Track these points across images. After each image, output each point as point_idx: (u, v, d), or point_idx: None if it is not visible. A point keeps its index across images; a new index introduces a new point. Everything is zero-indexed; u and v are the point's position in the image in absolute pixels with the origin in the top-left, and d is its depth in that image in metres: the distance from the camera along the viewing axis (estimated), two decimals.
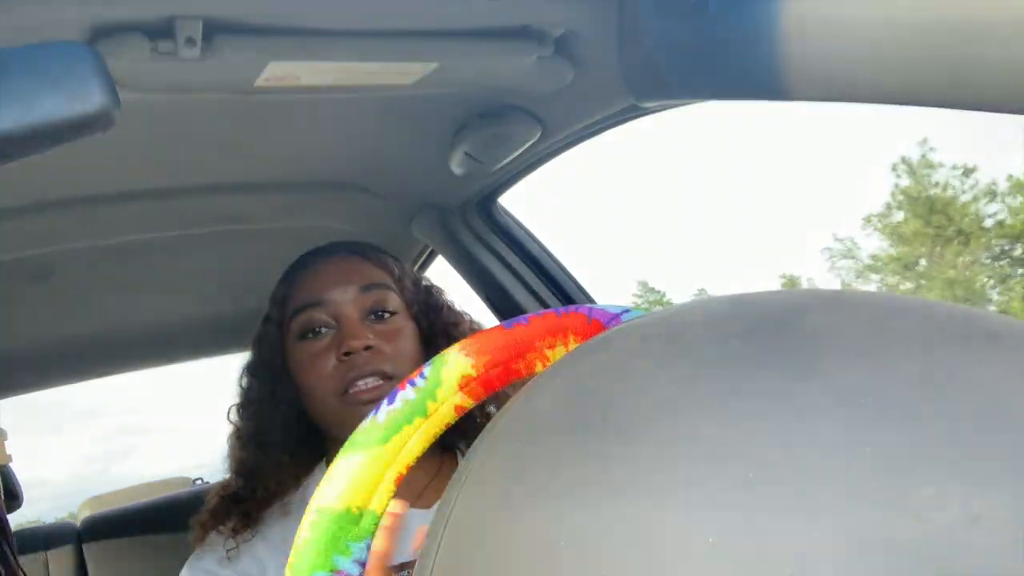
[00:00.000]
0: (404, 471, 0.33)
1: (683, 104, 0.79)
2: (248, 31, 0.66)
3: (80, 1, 0.59)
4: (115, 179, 1.01)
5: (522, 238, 1.30)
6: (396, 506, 0.43)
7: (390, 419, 0.32)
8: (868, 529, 0.17)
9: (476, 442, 0.28)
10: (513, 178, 1.14)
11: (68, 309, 1.39)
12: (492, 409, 0.82)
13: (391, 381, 0.84)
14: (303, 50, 0.69)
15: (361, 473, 0.32)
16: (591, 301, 1.28)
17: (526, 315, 0.35)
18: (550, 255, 1.31)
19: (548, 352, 0.34)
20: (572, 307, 0.35)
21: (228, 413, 0.94)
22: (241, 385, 0.94)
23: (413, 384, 0.33)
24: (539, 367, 0.34)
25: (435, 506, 0.97)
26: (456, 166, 1.03)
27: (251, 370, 0.94)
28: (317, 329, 0.88)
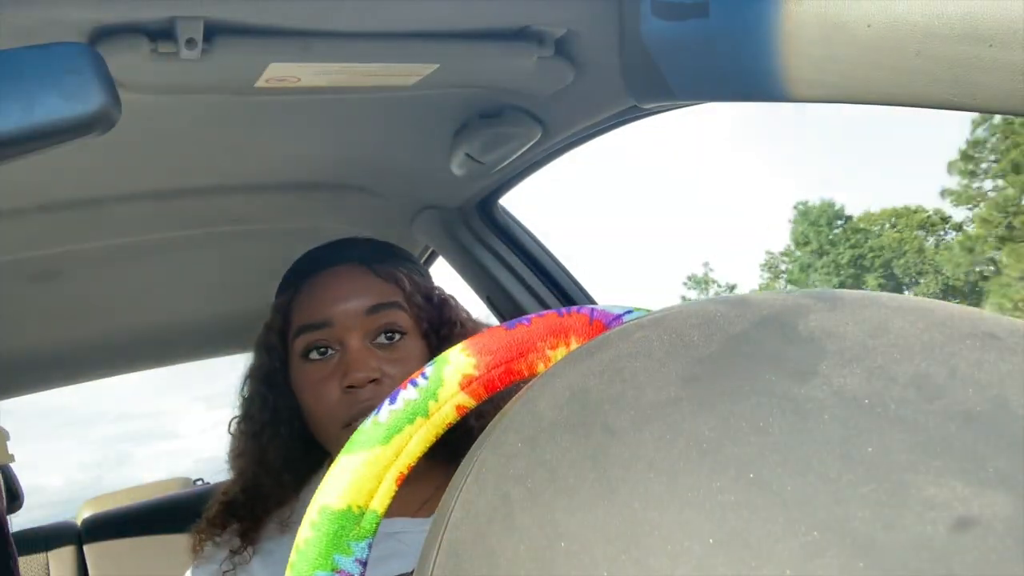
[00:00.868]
0: (406, 471, 0.33)
1: (684, 105, 0.79)
2: (249, 32, 0.66)
3: (81, 2, 0.59)
4: (116, 180, 1.02)
5: (522, 239, 1.30)
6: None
7: (392, 419, 0.33)
8: (868, 529, 0.17)
9: (476, 442, 0.28)
10: (514, 179, 1.14)
11: (69, 309, 1.39)
12: None
13: None
14: (304, 51, 0.69)
15: (363, 472, 0.32)
16: (591, 301, 1.28)
17: (528, 315, 0.35)
18: (551, 256, 1.31)
19: (550, 352, 0.34)
20: (574, 307, 0.35)
21: (229, 425, 0.92)
22: (243, 395, 0.91)
23: (415, 384, 0.33)
24: (541, 368, 0.34)
25: None
26: (456, 167, 1.04)
27: (253, 380, 0.91)
28: (323, 350, 0.84)
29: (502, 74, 0.81)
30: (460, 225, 1.26)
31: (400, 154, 1.09)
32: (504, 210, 1.28)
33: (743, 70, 0.59)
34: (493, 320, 1.31)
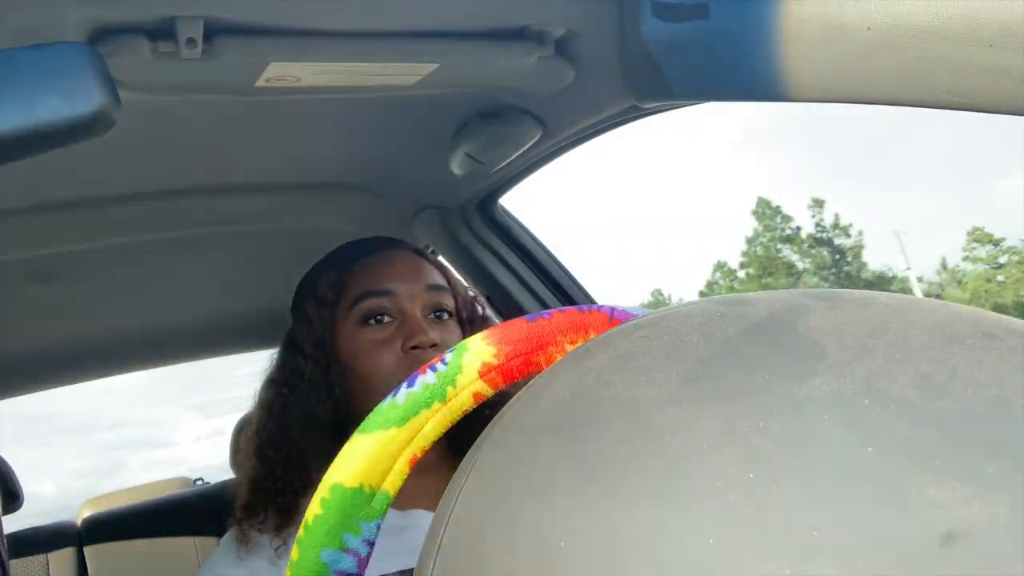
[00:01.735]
0: (419, 454, 0.33)
1: (684, 105, 0.79)
2: (249, 32, 0.66)
3: (81, 2, 0.59)
4: (116, 180, 1.02)
5: (523, 239, 1.30)
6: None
7: (409, 401, 0.32)
8: (869, 529, 0.17)
9: (477, 442, 0.28)
10: (514, 179, 1.14)
11: (69, 309, 1.39)
12: None
13: None
14: (304, 51, 0.69)
15: (377, 452, 0.32)
16: (591, 301, 1.28)
17: (549, 310, 0.35)
18: (551, 256, 1.31)
19: (569, 347, 0.34)
20: (595, 305, 0.35)
21: (259, 391, 0.90)
22: (285, 361, 0.91)
23: (434, 369, 0.33)
24: None
25: None
26: (457, 167, 1.03)
27: (298, 348, 0.90)
28: (380, 317, 0.89)
29: (502, 74, 0.81)
30: (460, 225, 1.26)
31: (400, 154, 1.09)
32: (504, 210, 1.28)
33: (743, 70, 0.59)
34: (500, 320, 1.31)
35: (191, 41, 0.64)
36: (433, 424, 0.33)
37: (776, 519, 0.18)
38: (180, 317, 1.60)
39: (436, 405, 0.33)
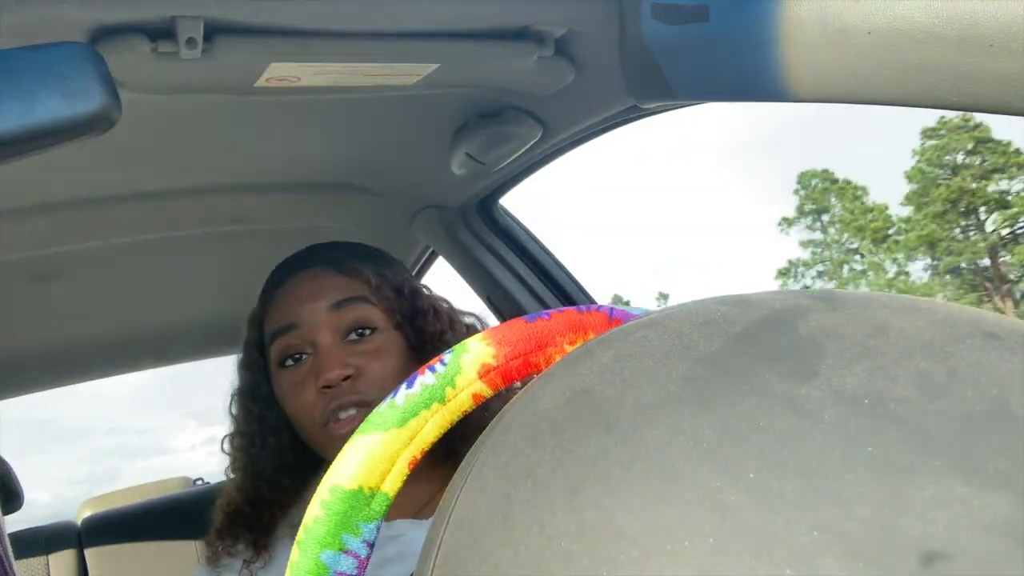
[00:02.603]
0: (419, 455, 0.33)
1: (684, 105, 0.79)
2: (249, 32, 0.66)
3: (81, 2, 0.59)
4: (116, 180, 1.02)
5: (522, 239, 1.30)
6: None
7: (408, 402, 0.32)
8: (868, 529, 0.17)
9: (477, 442, 0.28)
10: (514, 179, 1.14)
11: (69, 309, 1.39)
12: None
13: (371, 409, 0.82)
14: (304, 51, 0.69)
15: (376, 453, 0.32)
16: (592, 301, 1.28)
17: (548, 311, 0.35)
18: (551, 256, 1.31)
19: (568, 348, 0.34)
20: (594, 306, 0.35)
21: (222, 443, 0.92)
22: (231, 413, 0.91)
23: (433, 370, 0.33)
24: None
25: None
26: (457, 167, 1.03)
27: (239, 397, 0.91)
28: (296, 356, 0.83)
29: (502, 74, 0.81)
30: (460, 225, 1.26)
31: (400, 154, 1.09)
32: (504, 210, 1.28)
33: (744, 70, 0.59)
34: (485, 311, 1.31)
35: (191, 41, 0.64)
36: (432, 425, 0.33)
37: (776, 519, 0.18)
38: (180, 317, 1.60)
39: (435, 406, 0.33)
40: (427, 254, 1.42)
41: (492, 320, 1.23)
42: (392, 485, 0.32)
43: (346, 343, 0.83)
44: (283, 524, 0.86)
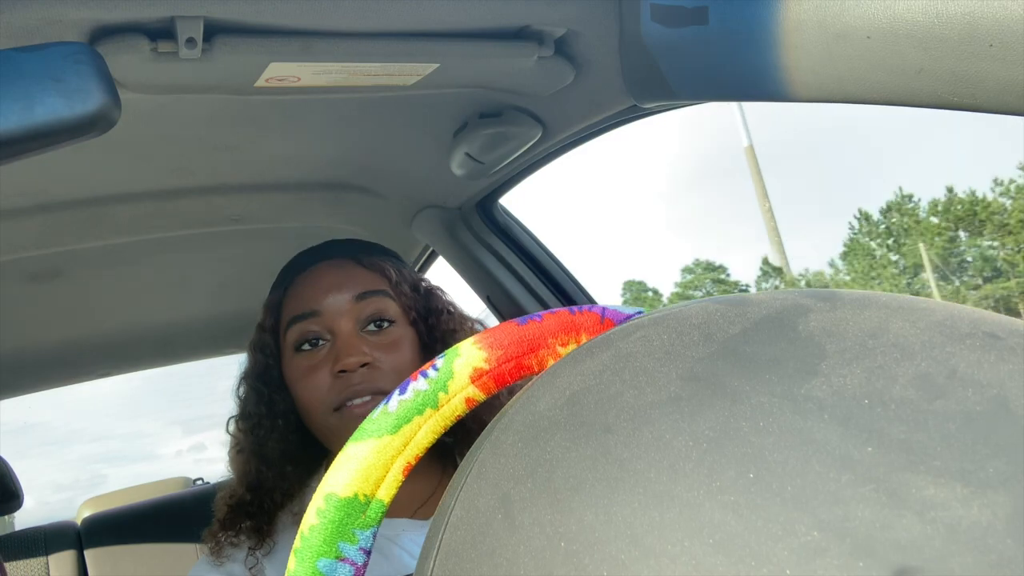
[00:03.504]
0: (413, 461, 0.33)
1: (684, 105, 0.79)
2: (249, 32, 0.66)
3: (81, 2, 0.59)
4: (116, 180, 1.02)
5: (523, 239, 1.30)
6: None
7: (402, 408, 0.32)
8: (868, 529, 0.17)
9: (476, 442, 0.28)
10: (514, 179, 1.14)
11: (69, 309, 1.39)
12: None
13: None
14: (304, 51, 0.69)
15: (370, 461, 0.32)
16: (592, 301, 1.28)
17: (540, 312, 0.35)
18: (551, 255, 1.31)
19: (560, 349, 0.34)
20: (586, 306, 0.35)
21: (227, 425, 0.92)
22: (239, 395, 0.92)
23: (425, 375, 0.33)
24: (551, 364, 0.34)
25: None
26: (456, 167, 1.04)
27: (248, 379, 0.91)
28: (313, 340, 0.85)
29: (502, 74, 0.81)
30: (460, 225, 1.26)
31: (400, 154, 1.09)
32: (504, 210, 1.28)
33: (744, 70, 0.59)
34: (483, 313, 1.31)
35: (191, 41, 0.64)
36: (426, 431, 0.33)
37: (776, 519, 0.18)
38: (180, 317, 1.60)
39: (428, 412, 0.33)
40: (427, 254, 1.42)
41: (492, 323, 1.23)
42: (387, 492, 0.32)
43: (364, 333, 0.86)
44: (285, 512, 0.87)
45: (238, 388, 0.93)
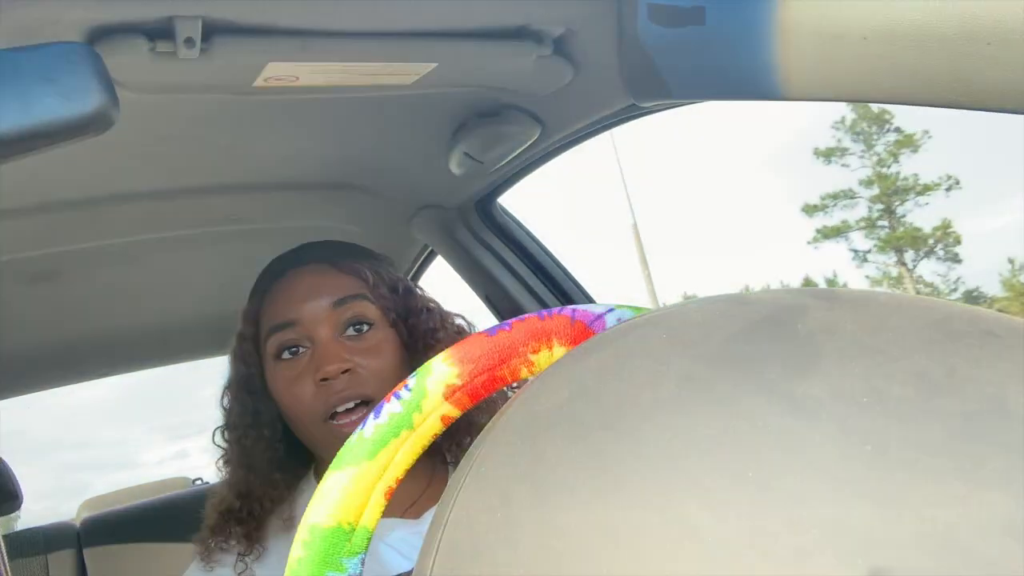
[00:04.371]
0: (394, 484, 0.33)
1: (682, 104, 0.79)
2: (247, 31, 0.66)
3: (80, 2, 0.59)
4: (115, 180, 1.01)
5: (521, 238, 1.30)
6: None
7: (377, 433, 0.32)
8: (867, 526, 0.17)
9: (476, 442, 0.28)
10: (512, 178, 1.14)
11: (68, 309, 1.39)
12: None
13: (372, 405, 0.82)
14: (302, 50, 0.69)
15: (351, 489, 0.32)
16: (590, 300, 1.28)
17: (509, 320, 0.35)
18: (549, 255, 1.31)
19: (532, 357, 0.33)
20: (555, 309, 0.35)
21: (213, 436, 0.92)
22: (223, 406, 0.92)
23: (398, 397, 0.33)
24: (524, 373, 0.34)
25: (424, 516, 0.93)
26: (455, 166, 1.03)
27: (231, 390, 0.91)
28: (293, 349, 0.85)
29: (501, 73, 0.81)
30: (459, 224, 1.26)
31: (399, 153, 1.09)
32: (503, 209, 1.28)
33: (741, 70, 0.59)
34: (473, 313, 1.31)
35: (189, 41, 0.64)
36: (404, 453, 0.33)
37: (775, 518, 0.18)
38: (180, 317, 1.60)
39: (404, 433, 0.33)
40: (426, 253, 1.42)
41: (480, 320, 1.23)
42: (371, 518, 0.32)
43: (344, 338, 0.85)
44: (274, 518, 0.87)
45: (222, 398, 0.92)
